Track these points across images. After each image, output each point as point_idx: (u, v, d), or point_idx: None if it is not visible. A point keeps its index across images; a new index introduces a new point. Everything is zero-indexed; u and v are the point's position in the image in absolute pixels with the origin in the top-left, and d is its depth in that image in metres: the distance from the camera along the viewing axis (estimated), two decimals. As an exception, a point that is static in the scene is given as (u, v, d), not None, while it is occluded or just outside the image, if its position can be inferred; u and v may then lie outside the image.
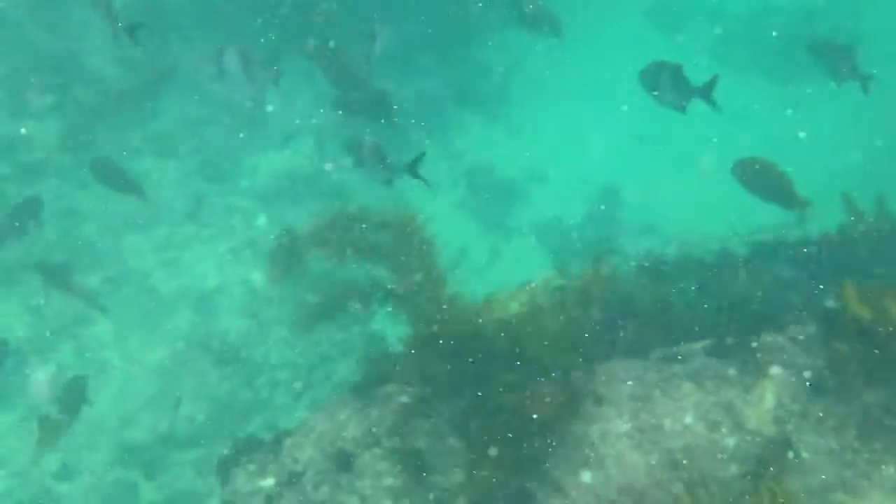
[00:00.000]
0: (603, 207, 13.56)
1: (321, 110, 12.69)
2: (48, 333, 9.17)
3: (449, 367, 5.53)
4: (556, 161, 14.21)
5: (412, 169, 6.53)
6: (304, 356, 9.27)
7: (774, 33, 16.22)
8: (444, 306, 5.44)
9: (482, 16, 13.82)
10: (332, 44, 8.39)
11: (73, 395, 7.10)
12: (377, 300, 6.21)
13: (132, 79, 10.74)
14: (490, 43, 14.87)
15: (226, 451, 6.04)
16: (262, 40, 12.00)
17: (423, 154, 6.61)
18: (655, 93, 6.69)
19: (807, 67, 15.41)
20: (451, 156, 13.82)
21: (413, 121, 13.25)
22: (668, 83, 6.55)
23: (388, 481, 5.59)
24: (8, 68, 10.09)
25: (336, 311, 6.46)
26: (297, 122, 12.40)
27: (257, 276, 10.12)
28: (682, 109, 6.73)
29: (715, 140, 12.84)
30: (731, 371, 5.80)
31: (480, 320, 5.44)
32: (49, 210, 9.56)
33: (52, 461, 8.22)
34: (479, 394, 5.51)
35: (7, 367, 7.69)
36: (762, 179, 6.93)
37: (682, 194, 13.05)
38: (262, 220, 10.86)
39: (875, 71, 8.27)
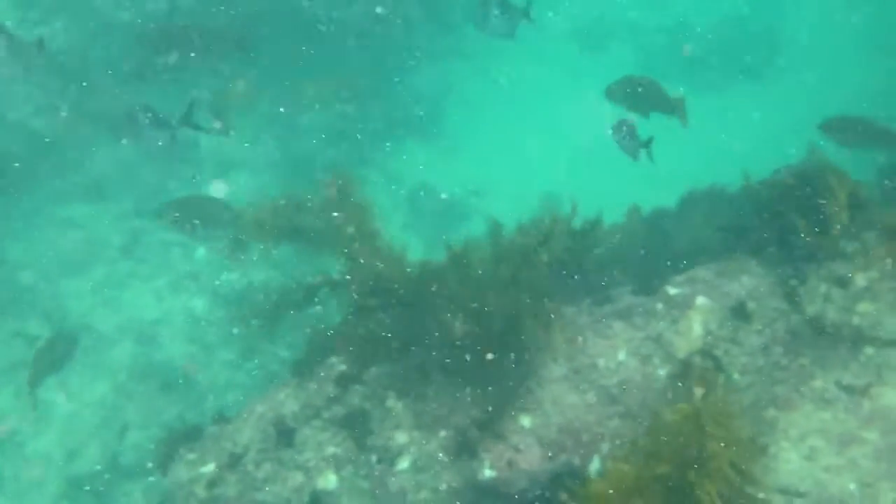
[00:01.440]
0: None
1: (254, 144, 12.83)
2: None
3: (386, 323, 5.52)
4: (495, 176, 14.42)
5: (187, 119, 6.64)
6: (250, 376, 9.18)
7: (689, 46, 16.86)
8: (380, 262, 5.46)
9: (409, 42, 14.11)
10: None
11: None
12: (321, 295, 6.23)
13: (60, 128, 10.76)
14: (421, 67, 15.16)
15: (162, 445, 5.92)
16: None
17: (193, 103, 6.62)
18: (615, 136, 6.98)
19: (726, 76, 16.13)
20: (391, 179, 13.96)
21: (351, 151, 13.43)
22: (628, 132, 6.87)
23: (330, 450, 5.54)
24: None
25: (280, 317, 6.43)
26: (233, 155, 12.47)
27: (200, 304, 10.05)
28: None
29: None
30: (659, 306, 5.88)
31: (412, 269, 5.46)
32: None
33: (-2, 503, 7.99)
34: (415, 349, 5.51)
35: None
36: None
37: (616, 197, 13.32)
38: (201, 253, 10.81)
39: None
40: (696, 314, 5.78)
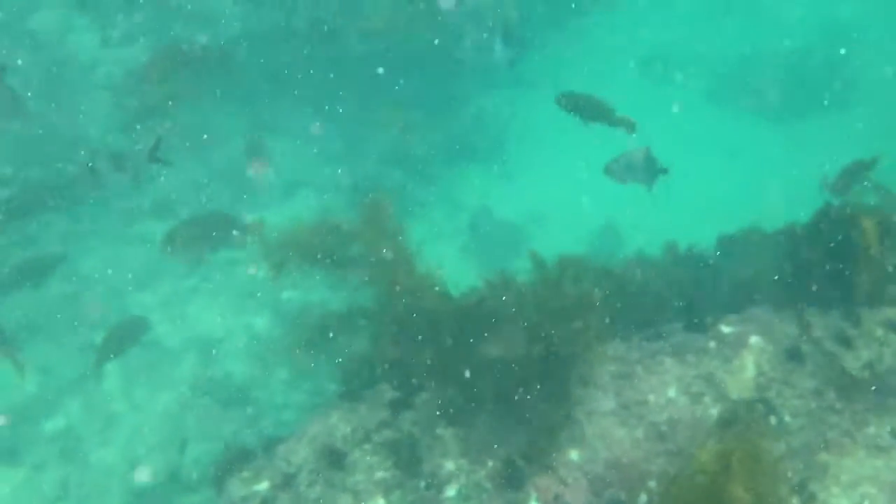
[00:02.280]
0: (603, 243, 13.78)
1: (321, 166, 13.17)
2: (57, 390, 9.36)
3: (431, 354, 5.64)
4: (555, 204, 14.46)
5: (152, 155, 6.80)
6: (306, 394, 9.38)
7: (763, 75, 16.75)
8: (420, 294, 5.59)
9: (475, 71, 14.32)
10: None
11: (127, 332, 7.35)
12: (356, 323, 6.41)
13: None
14: (485, 96, 15.36)
15: (219, 462, 6.12)
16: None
17: (160, 140, 6.78)
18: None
19: (800, 107, 15.94)
20: (452, 204, 14.12)
21: (415, 175, 13.68)
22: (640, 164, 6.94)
23: (380, 475, 5.66)
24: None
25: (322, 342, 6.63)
26: (300, 179, 12.80)
27: (260, 322, 10.32)
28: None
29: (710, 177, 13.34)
30: (711, 344, 5.88)
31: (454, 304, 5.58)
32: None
33: (69, 507, 8.35)
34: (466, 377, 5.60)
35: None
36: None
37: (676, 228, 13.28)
38: (262, 272, 11.07)
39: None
40: (749, 354, 5.76)
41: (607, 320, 5.67)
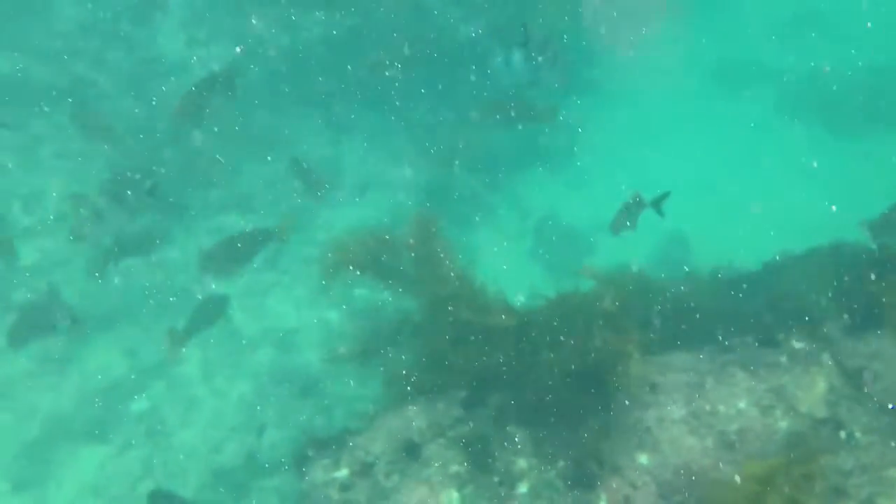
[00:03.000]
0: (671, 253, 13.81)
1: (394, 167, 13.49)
2: (142, 373, 9.85)
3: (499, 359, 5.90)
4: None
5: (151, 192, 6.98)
6: (376, 389, 9.69)
7: (836, 91, 16.58)
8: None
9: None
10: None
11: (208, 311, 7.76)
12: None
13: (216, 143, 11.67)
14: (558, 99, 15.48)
15: (301, 450, 6.46)
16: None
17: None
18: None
19: (873, 123, 15.74)
20: (519, 209, 14.32)
21: (484, 178, 13.91)
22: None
23: (454, 468, 5.92)
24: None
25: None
26: (372, 179, 13.13)
27: (333, 316, 10.68)
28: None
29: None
30: (783, 359, 6.00)
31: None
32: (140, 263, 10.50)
33: (147, 487, 8.76)
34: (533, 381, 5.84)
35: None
36: None
37: (746, 241, 13.27)
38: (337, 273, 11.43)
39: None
40: (820, 370, 5.86)
41: (652, 334, 5.91)
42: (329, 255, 7.39)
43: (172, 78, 12.18)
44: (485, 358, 6.05)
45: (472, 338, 6.17)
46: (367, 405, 8.85)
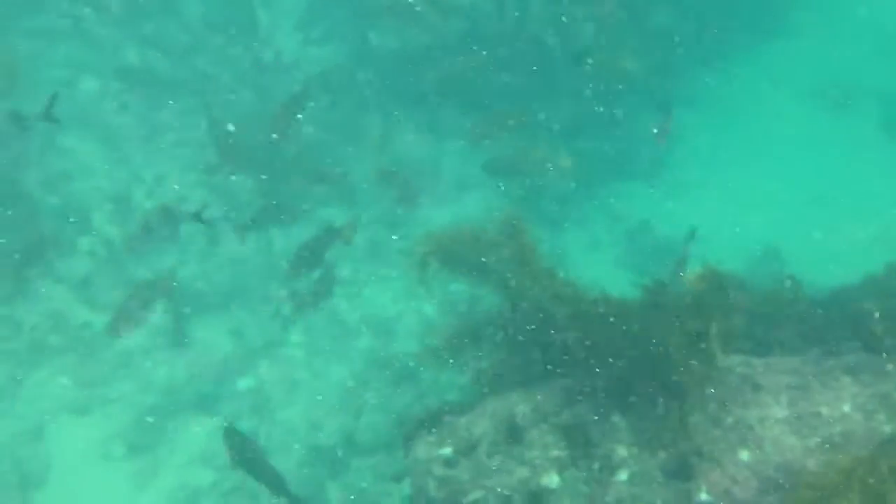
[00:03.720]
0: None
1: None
2: (249, 352, 10.37)
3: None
4: (717, 224, 14.45)
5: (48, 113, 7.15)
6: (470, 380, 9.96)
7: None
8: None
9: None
10: None
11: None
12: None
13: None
14: (651, 113, 15.49)
15: (408, 428, 6.77)
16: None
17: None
18: None
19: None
20: (611, 217, 14.40)
21: (573, 183, 14.03)
22: None
23: (555, 453, 6.13)
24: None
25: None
26: (469, 181, 13.42)
27: (430, 309, 11.01)
28: None
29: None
30: (889, 367, 6.02)
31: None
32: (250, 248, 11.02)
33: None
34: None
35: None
36: None
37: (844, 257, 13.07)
38: (435, 263, 11.75)
39: None
40: (929, 379, 5.86)
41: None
42: (420, 248, 7.68)
43: (286, 75, 12.76)
44: (585, 349, 6.23)
45: (571, 330, 6.37)
46: (461, 394, 9.15)
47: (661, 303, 6.08)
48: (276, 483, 7.24)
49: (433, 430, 6.65)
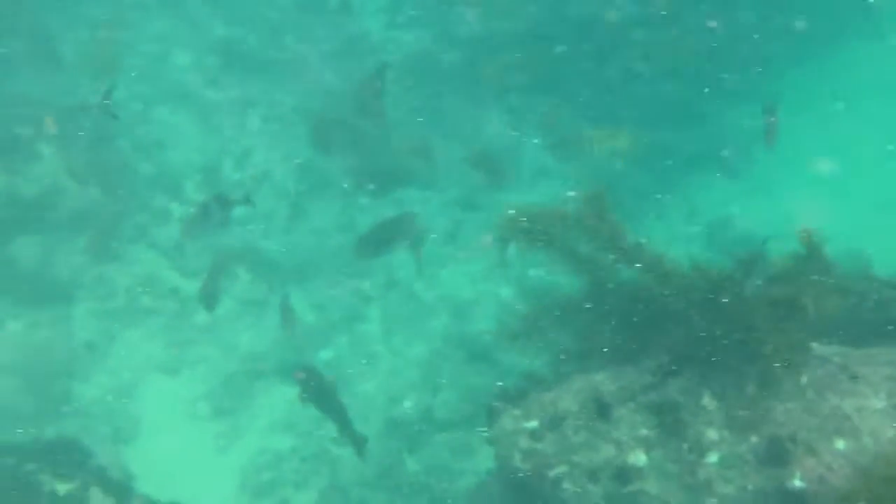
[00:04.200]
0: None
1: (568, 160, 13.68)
2: (329, 326, 10.56)
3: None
4: (801, 222, 14.15)
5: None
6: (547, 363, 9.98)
7: None
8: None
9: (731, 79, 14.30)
10: None
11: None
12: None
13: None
14: (737, 108, 15.28)
15: (493, 400, 6.83)
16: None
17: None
18: None
19: None
20: (691, 211, 14.24)
21: (658, 177, 13.91)
22: None
23: (643, 432, 6.12)
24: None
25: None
26: (549, 168, 13.39)
27: (507, 292, 11.05)
28: None
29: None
30: None
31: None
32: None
33: (331, 429, 9.42)
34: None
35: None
36: None
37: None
38: (513, 249, 11.78)
39: None
40: None
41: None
42: (500, 229, 7.68)
43: (370, 57, 12.92)
44: (676, 325, 6.20)
45: (662, 305, 6.33)
46: (543, 373, 9.16)
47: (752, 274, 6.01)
48: (342, 419, 7.35)
49: (519, 403, 6.70)
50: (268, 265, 10.91)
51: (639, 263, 6.46)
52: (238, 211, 11.24)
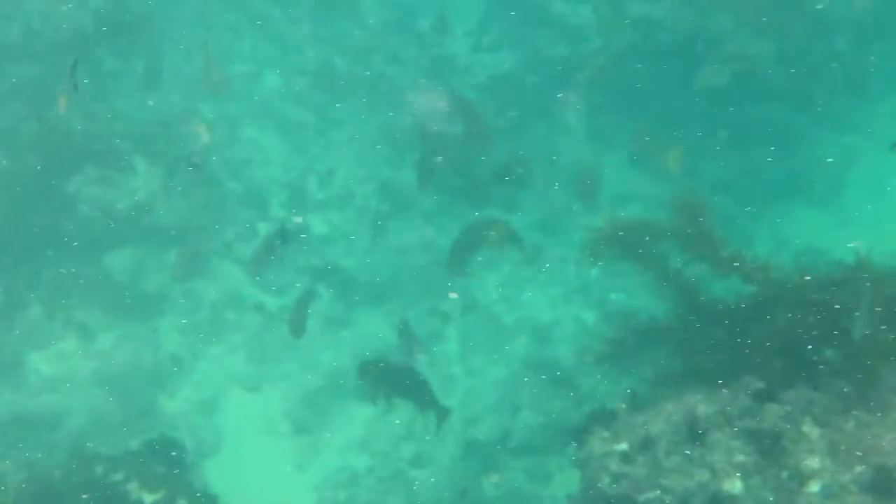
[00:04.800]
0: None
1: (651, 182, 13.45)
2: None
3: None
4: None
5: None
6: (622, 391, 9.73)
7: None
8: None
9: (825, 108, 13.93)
10: None
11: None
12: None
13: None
14: (827, 139, 14.87)
15: (580, 422, 6.66)
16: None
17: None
18: None
19: None
20: (777, 241, 13.82)
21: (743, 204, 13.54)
22: None
23: (740, 458, 5.87)
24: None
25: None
26: (631, 192, 13.17)
27: (588, 316, 10.85)
28: None
29: None
30: None
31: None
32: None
33: (408, 449, 9.39)
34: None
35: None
36: None
37: None
38: (594, 272, 11.61)
39: None
40: None
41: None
42: (590, 236, 7.50)
43: (456, 78, 12.98)
44: (778, 341, 5.95)
45: (761, 322, 6.09)
46: (631, 395, 8.91)
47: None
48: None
49: (608, 426, 6.51)
50: (349, 283, 10.97)
51: (740, 272, 6.24)
52: (320, 229, 11.47)
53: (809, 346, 5.94)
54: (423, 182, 9.61)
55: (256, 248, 8.59)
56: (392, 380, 7.48)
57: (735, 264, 6.35)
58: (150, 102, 11.08)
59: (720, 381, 6.38)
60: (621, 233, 7.40)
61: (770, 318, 6.26)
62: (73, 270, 9.87)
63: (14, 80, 10.77)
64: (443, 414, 7.62)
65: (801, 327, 5.95)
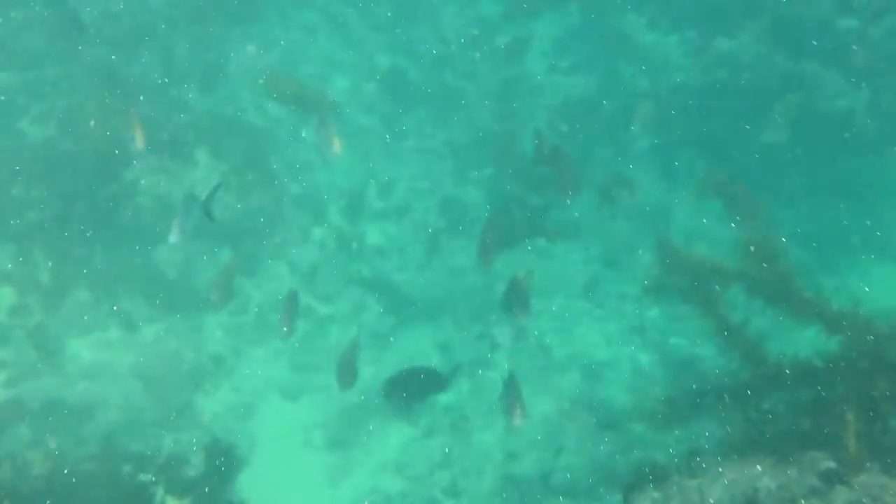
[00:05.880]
0: None
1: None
2: (452, 368, 10.15)
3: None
4: None
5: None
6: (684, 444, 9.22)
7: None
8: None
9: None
10: None
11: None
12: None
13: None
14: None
15: (629, 478, 6.22)
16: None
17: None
18: None
19: None
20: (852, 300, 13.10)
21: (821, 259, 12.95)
22: None
23: (803, 541, 5.38)
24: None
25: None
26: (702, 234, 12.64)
27: (645, 359, 10.36)
28: None
29: None
30: None
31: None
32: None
33: (444, 477, 9.03)
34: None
35: None
36: None
37: None
38: (654, 312, 11.13)
39: None
40: None
41: None
42: (653, 273, 7.12)
43: (529, 99, 12.63)
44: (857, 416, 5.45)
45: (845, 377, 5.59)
46: (669, 458, 8.41)
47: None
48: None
49: (659, 485, 6.06)
50: (398, 298, 10.69)
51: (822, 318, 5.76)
52: (375, 239, 11.19)
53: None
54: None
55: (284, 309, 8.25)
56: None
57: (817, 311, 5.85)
58: (216, 95, 10.97)
59: (788, 456, 5.91)
60: (686, 273, 7.03)
61: (846, 382, 5.75)
62: (124, 259, 9.75)
63: (88, 61, 10.74)
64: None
65: (879, 392, 5.42)
